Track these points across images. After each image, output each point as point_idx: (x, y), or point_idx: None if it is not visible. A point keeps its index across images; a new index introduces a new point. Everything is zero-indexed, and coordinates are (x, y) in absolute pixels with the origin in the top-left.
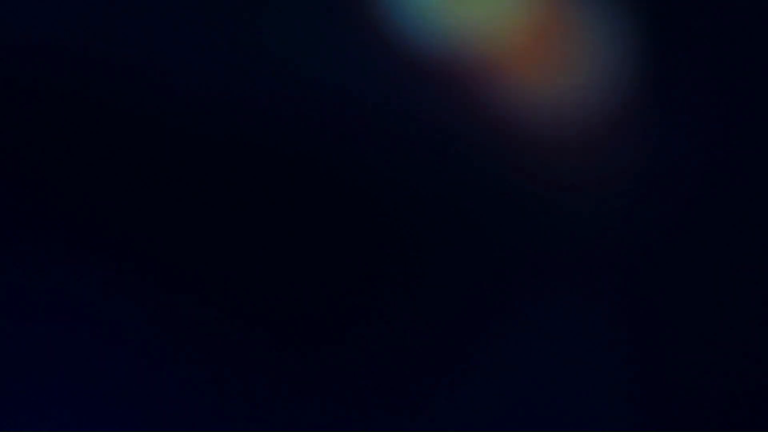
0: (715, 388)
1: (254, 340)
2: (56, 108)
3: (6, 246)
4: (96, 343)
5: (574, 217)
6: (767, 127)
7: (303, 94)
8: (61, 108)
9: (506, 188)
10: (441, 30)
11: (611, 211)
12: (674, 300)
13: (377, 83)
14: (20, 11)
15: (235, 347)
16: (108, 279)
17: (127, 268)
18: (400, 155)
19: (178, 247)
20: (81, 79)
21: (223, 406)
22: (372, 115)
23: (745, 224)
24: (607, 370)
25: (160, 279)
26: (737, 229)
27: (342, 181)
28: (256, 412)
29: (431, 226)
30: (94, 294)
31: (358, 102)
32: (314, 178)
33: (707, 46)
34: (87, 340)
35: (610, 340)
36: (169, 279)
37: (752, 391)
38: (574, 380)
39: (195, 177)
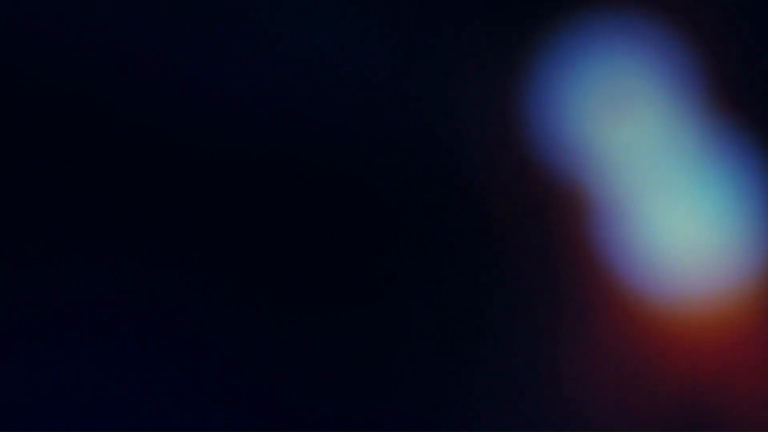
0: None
1: (258, 340)
2: (56, 108)
3: (6, 246)
4: (96, 343)
5: None
6: None
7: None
8: (60, 108)
9: None
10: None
11: None
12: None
13: None
14: (21, 10)
15: (238, 348)
16: (106, 279)
17: (128, 266)
18: None
19: (183, 246)
20: (80, 79)
21: (224, 406)
22: None
23: None
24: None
25: (162, 278)
26: None
27: None
28: (258, 411)
29: None
30: (93, 294)
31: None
32: None
33: None
34: (87, 340)
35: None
36: (171, 278)
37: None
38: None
39: (200, 179)
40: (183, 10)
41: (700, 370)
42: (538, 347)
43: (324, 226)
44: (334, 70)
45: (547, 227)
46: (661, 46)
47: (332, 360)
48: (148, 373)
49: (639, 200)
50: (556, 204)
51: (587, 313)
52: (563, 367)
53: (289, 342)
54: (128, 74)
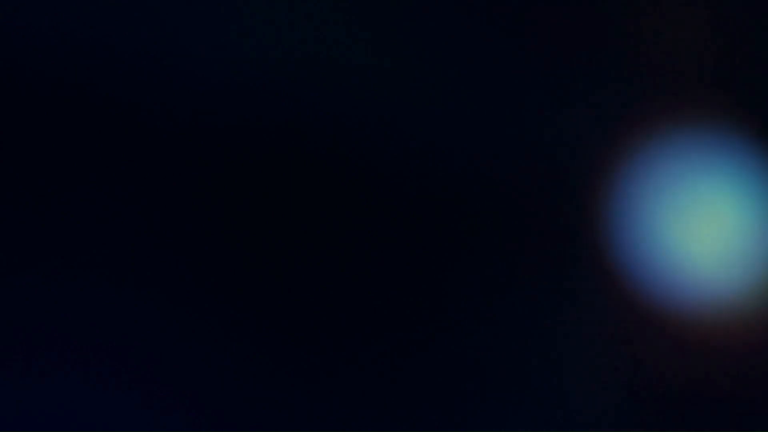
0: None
1: (255, 339)
2: (54, 103)
3: (6, 247)
4: (96, 343)
5: None
6: None
7: None
8: (58, 103)
9: None
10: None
11: None
12: None
13: None
14: (22, 8)
15: (236, 347)
16: (107, 278)
17: (128, 263)
18: None
19: (184, 243)
20: (78, 75)
21: (223, 406)
22: None
23: None
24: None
25: (162, 276)
26: None
27: None
28: (257, 411)
29: None
30: (94, 293)
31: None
32: None
33: None
34: (88, 340)
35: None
36: (171, 276)
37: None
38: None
39: (198, 174)
40: (184, 5)
41: (710, 371)
42: (550, 348)
43: (326, 226)
44: (344, 63)
45: (553, 225)
46: (670, 50)
47: (331, 359)
48: (143, 372)
49: (654, 205)
50: (563, 203)
51: (600, 314)
52: (572, 367)
53: (287, 341)
54: (126, 70)
